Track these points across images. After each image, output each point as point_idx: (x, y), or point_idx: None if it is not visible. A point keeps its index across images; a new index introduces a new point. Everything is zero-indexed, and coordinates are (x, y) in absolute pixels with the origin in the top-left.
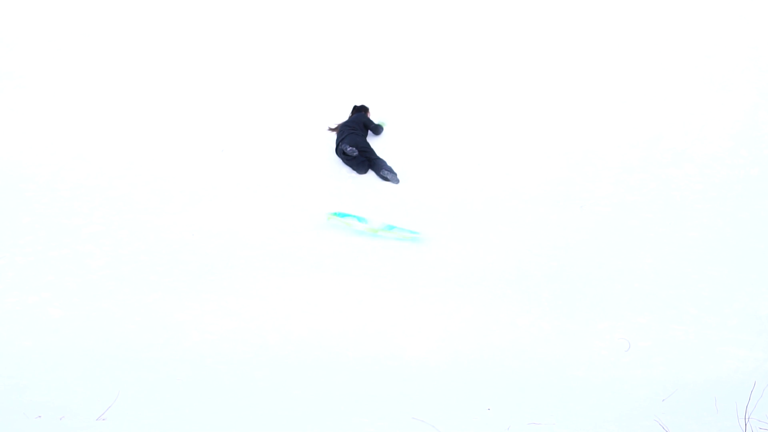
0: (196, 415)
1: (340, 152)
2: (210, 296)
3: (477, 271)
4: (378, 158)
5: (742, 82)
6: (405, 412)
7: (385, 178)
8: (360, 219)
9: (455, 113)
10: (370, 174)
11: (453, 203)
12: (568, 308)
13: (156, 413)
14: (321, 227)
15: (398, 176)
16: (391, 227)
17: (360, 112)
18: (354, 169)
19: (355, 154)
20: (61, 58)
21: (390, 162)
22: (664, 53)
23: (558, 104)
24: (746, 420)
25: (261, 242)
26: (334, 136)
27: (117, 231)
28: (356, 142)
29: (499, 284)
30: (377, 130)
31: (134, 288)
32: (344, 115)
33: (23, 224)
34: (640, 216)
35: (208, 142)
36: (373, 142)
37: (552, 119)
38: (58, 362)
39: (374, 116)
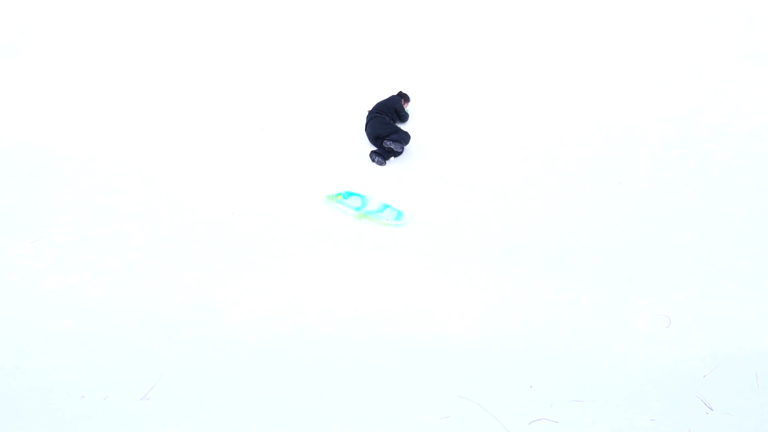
0: (238, 393)
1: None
2: (250, 274)
3: (517, 249)
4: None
5: None
6: (448, 389)
7: (390, 148)
8: (362, 197)
9: (494, 90)
10: (410, 155)
11: (492, 181)
12: (608, 285)
13: (199, 392)
14: None
15: (402, 146)
16: (384, 206)
17: (398, 96)
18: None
19: (383, 164)
20: (100, 38)
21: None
22: (702, 28)
23: (596, 80)
24: None
25: (300, 220)
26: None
27: (156, 210)
28: (376, 130)
29: (538, 261)
30: (404, 118)
31: (174, 267)
32: (377, 96)
33: (62, 204)
34: (679, 191)
35: (246, 120)
36: (409, 123)
37: (590, 95)
38: (99, 342)
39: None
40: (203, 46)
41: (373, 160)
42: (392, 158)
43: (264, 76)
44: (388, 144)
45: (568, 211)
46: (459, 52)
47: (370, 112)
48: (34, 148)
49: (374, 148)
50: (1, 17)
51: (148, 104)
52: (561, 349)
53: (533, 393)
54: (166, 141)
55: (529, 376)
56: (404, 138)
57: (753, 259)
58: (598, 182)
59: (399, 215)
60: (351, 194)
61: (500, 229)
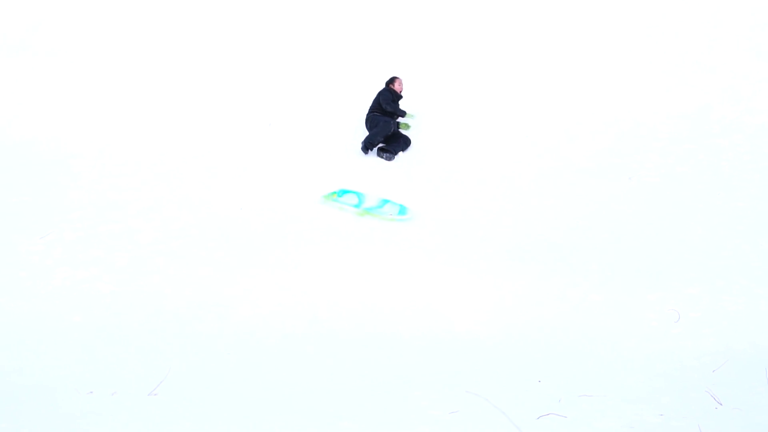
0: (247, 389)
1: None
2: (260, 271)
3: (526, 244)
4: (394, 138)
5: None
6: (457, 384)
7: (381, 156)
8: (359, 194)
9: (503, 86)
10: (417, 151)
11: (502, 177)
12: (618, 280)
13: (207, 388)
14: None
15: (394, 156)
16: (384, 201)
17: (385, 87)
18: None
19: (392, 160)
20: (111, 36)
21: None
22: (713, 24)
23: (606, 76)
24: None
25: (310, 216)
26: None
27: (166, 206)
28: (369, 129)
29: (549, 257)
30: (395, 108)
31: (184, 263)
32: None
33: (72, 200)
34: (689, 187)
35: (255, 116)
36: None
37: (601, 91)
38: (108, 338)
39: (405, 104)
40: (212, 46)
41: (381, 156)
42: (400, 153)
43: (269, 74)
44: (380, 154)
45: (578, 206)
46: (469, 47)
47: (367, 113)
48: (45, 145)
49: (381, 145)
50: (12, 15)
51: (157, 102)
52: (570, 344)
53: (541, 388)
54: (175, 138)
55: (537, 371)
56: (383, 129)
57: (763, 254)
58: (608, 178)
59: (402, 210)
60: (346, 192)
61: (509, 225)
